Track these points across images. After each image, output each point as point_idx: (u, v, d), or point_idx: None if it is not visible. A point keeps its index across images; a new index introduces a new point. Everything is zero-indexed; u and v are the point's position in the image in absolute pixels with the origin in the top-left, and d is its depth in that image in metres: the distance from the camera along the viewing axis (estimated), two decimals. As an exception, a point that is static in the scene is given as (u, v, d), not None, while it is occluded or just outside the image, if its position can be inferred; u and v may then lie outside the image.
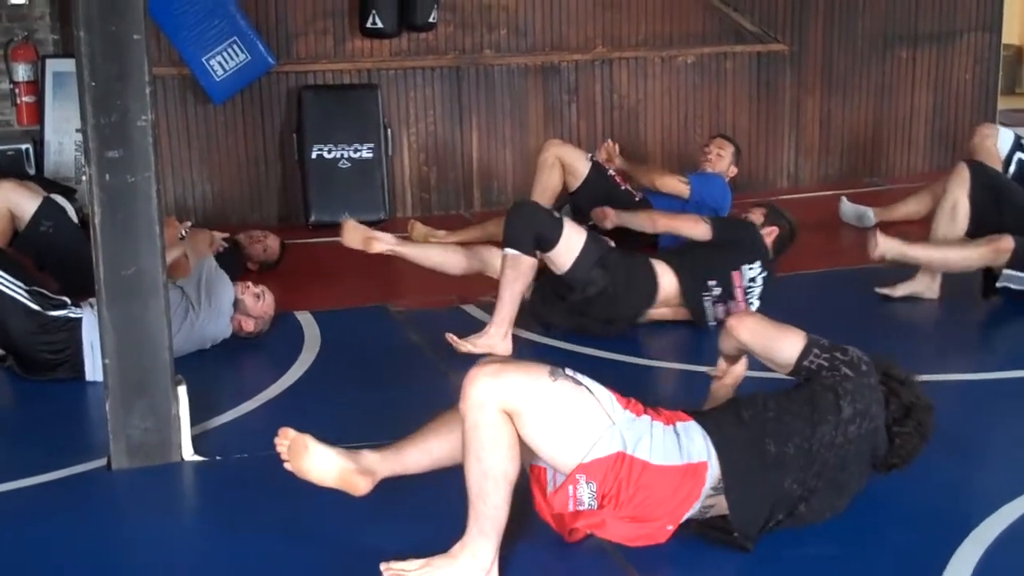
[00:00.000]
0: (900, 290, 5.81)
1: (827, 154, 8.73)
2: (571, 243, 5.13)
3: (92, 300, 4.94)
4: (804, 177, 8.70)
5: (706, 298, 5.34)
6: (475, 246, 5.63)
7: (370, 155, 7.57)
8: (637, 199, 6.64)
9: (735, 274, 5.33)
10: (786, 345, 3.47)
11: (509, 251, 5.06)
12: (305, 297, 5.95)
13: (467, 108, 7.94)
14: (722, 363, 3.87)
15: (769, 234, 5.50)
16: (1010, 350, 5.35)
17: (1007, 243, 5.51)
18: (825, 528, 3.41)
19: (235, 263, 5.79)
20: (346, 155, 7.54)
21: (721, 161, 6.77)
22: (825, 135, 8.69)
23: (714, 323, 5.28)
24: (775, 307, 5.65)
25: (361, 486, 3.33)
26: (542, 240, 5.09)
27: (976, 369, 5.01)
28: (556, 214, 5.27)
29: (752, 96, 8.49)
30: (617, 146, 6.99)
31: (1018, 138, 7.11)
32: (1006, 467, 4.08)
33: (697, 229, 5.47)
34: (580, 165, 6.61)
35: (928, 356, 5.44)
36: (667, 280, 5.33)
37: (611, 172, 6.73)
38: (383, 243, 5.39)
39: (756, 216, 5.58)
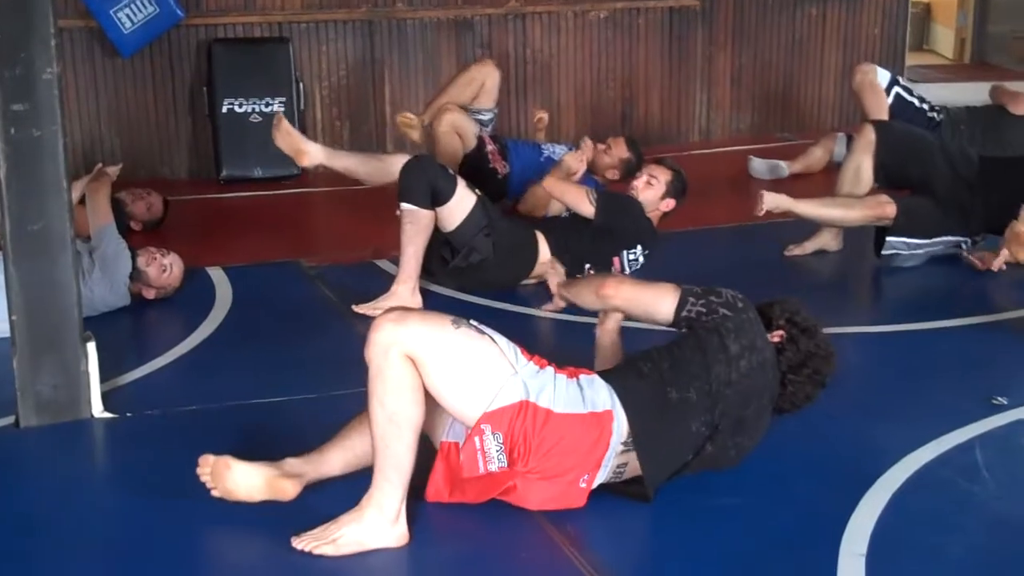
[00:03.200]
0: (809, 247, 5.92)
1: (738, 109, 8.79)
2: (462, 202, 5.16)
3: None
4: (716, 132, 8.75)
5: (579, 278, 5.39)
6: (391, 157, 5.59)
7: (282, 109, 7.48)
8: (500, 177, 6.60)
9: (615, 260, 5.40)
10: (662, 303, 3.53)
11: (406, 206, 5.07)
12: (216, 253, 5.91)
13: (380, 62, 7.90)
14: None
15: (666, 207, 5.49)
16: (911, 302, 5.44)
17: (889, 209, 5.62)
18: (732, 478, 3.46)
19: (118, 224, 5.41)
20: (257, 109, 7.47)
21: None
22: (736, 90, 8.75)
23: None
24: (685, 262, 5.74)
25: (290, 490, 3.34)
26: (437, 193, 5.11)
27: (879, 321, 5.11)
28: (451, 171, 5.30)
29: (664, 51, 8.51)
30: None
31: (894, 76, 7.27)
32: (909, 417, 4.16)
33: (582, 206, 5.43)
34: (469, 138, 6.62)
35: (833, 308, 5.51)
36: (544, 256, 5.39)
37: (489, 150, 6.66)
38: (312, 158, 5.40)
39: (659, 184, 5.49)
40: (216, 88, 7.43)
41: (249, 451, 3.39)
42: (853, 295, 5.60)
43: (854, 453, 3.86)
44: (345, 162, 5.54)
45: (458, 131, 6.59)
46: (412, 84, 7.96)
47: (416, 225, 5.06)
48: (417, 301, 5.06)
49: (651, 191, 5.48)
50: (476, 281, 5.34)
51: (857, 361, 4.69)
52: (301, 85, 7.61)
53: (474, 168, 6.47)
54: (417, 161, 5.24)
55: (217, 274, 5.58)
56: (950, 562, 3.28)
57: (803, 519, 3.45)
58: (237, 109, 7.43)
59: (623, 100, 8.14)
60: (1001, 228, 5.30)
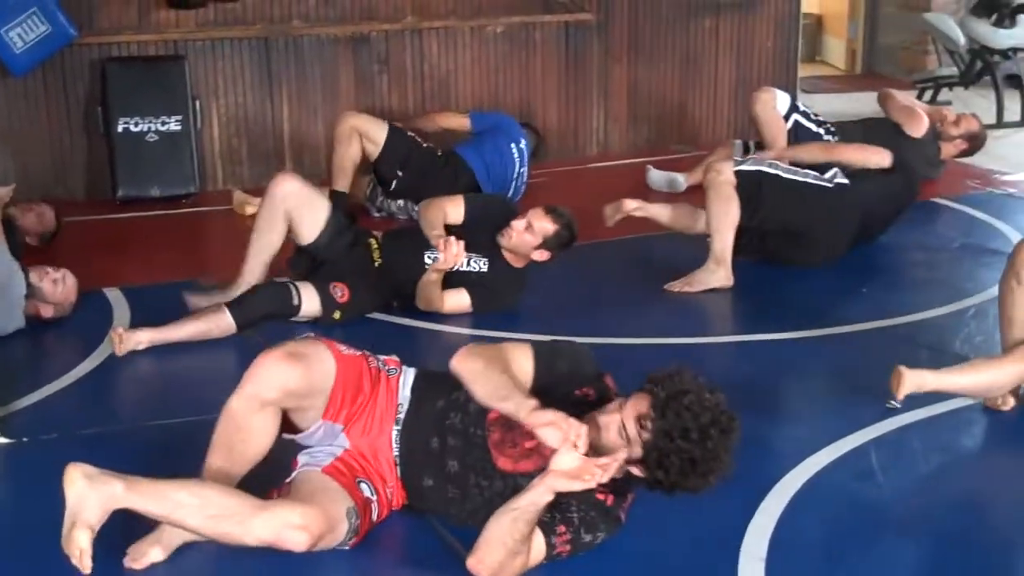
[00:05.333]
0: (697, 286, 5.64)
1: (635, 121, 8.86)
2: (309, 313, 5.11)
3: None
4: (613, 144, 8.82)
5: None
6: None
7: (178, 127, 7.43)
8: (439, 154, 6.82)
9: None
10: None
11: (229, 314, 4.95)
12: (113, 273, 5.83)
13: (277, 79, 7.85)
14: None
15: (539, 257, 5.28)
16: (807, 309, 5.48)
17: None
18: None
19: (12, 241, 5.34)
20: (154, 128, 7.39)
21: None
22: (633, 103, 8.83)
23: None
24: (586, 273, 5.79)
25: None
26: (272, 319, 5.07)
27: (776, 329, 5.16)
28: (295, 290, 5.10)
29: (561, 66, 8.56)
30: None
31: (793, 100, 7.37)
32: (806, 422, 4.25)
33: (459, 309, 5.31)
34: (377, 132, 6.69)
35: (730, 317, 5.63)
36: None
37: (410, 133, 6.84)
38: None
39: (535, 237, 5.22)
40: (111, 107, 7.34)
41: (151, 473, 3.34)
42: (748, 303, 5.65)
43: (754, 458, 3.88)
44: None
45: (361, 133, 6.63)
46: (310, 101, 7.93)
47: (215, 324, 4.95)
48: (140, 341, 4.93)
49: (525, 238, 5.24)
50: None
51: (756, 368, 4.76)
52: (198, 103, 7.55)
53: (403, 154, 6.73)
54: (268, 288, 5.17)
55: (114, 295, 5.51)
56: (847, 564, 3.36)
57: (703, 524, 3.50)
58: (133, 128, 7.35)
59: (521, 114, 8.16)
60: None
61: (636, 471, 3.14)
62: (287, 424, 3.37)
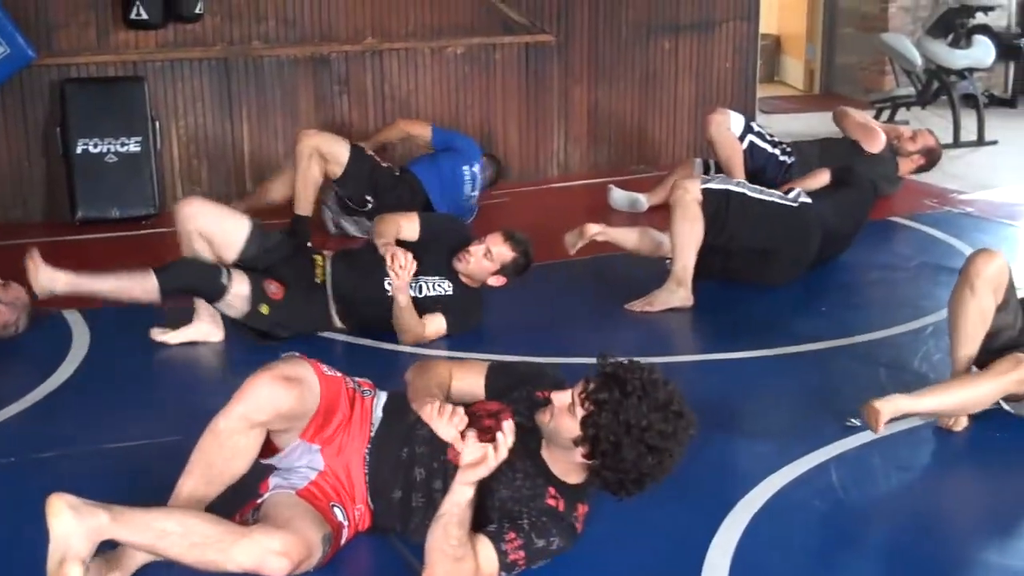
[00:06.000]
0: (658, 305, 5.68)
1: (595, 142, 8.90)
2: (236, 301, 5.05)
3: None
4: (573, 165, 8.85)
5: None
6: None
7: (138, 148, 7.40)
8: (397, 174, 6.84)
9: None
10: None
11: (155, 276, 4.90)
12: (72, 295, 5.79)
13: (237, 100, 7.84)
14: None
15: (496, 283, 5.29)
16: (768, 328, 5.52)
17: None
18: (594, 501, 3.48)
19: None
20: (113, 149, 7.36)
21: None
22: (593, 124, 8.86)
23: None
24: (546, 294, 5.80)
25: None
26: (197, 294, 5.09)
27: (738, 347, 5.19)
28: (226, 272, 5.03)
29: (521, 87, 8.59)
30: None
31: (748, 121, 7.41)
32: (769, 440, 4.26)
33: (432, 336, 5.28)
34: (339, 151, 6.63)
35: (692, 335, 5.64)
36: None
37: (371, 153, 6.83)
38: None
39: (493, 264, 5.22)
40: (69, 128, 7.30)
41: (111, 495, 3.33)
42: (709, 322, 5.68)
43: (716, 476, 3.94)
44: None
45: (322, 152, 6.58)
46: (270, 121, 7.92)
47: (139, 284, 4.93)
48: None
49: (483, 263, 5.24)
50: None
51: (717, 386, 4.78)
52: (157, 124, 7.52)
53: (366, 174, 6.70)
54: (184, 262, 5.11)
55: (74, 317, 5.48)
56: (808, 581, 3.37)
57: (666, 541, 3.52)
58: (92, 149, 7.32)
59: (482, 135, 8.19)
60: None
61: (583, 452, 3.17)
62: (263, 445, 3.37)
